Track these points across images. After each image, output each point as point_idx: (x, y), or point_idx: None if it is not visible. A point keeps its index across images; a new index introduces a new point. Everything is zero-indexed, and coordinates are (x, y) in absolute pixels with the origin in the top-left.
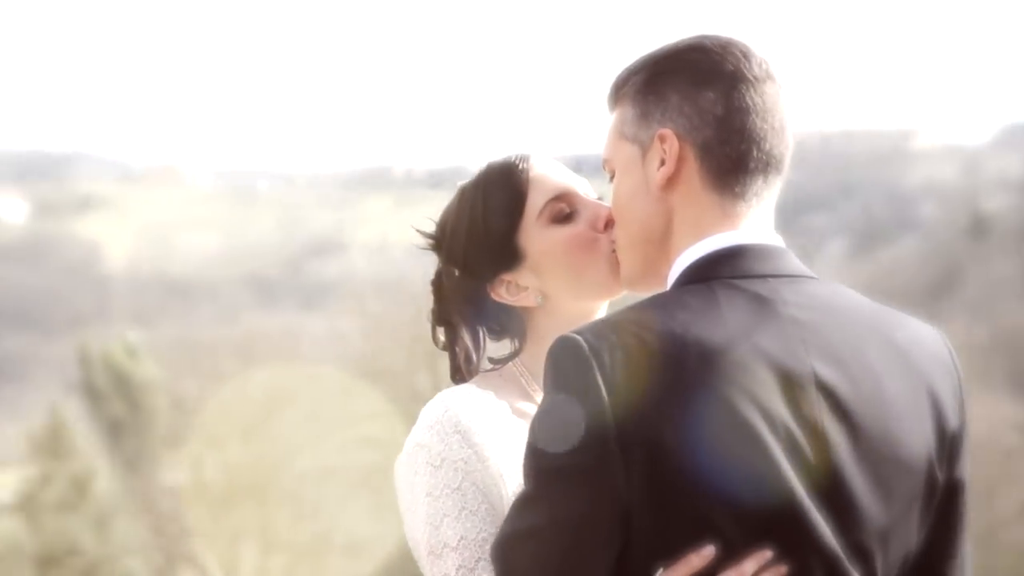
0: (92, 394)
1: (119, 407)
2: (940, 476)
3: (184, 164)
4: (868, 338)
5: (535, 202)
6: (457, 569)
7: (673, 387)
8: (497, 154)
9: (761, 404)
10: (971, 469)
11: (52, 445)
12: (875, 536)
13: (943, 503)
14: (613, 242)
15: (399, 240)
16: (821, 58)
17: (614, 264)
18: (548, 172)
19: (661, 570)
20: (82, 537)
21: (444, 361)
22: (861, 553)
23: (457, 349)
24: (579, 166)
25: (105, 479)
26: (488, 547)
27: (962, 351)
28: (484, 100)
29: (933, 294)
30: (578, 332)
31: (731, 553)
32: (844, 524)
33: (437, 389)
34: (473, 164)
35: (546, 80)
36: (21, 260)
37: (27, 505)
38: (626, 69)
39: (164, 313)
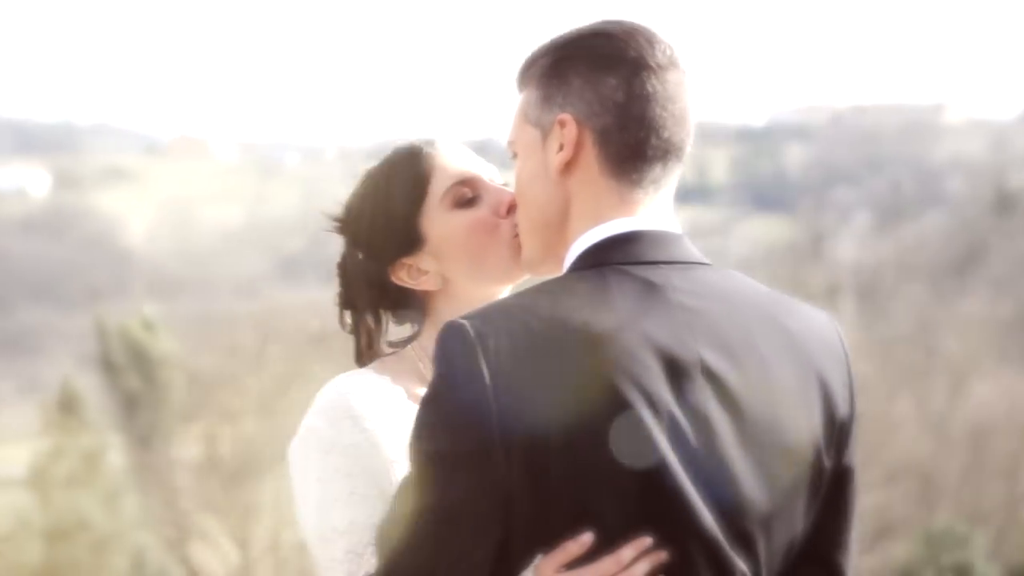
0: (108, 368)
1: (135, 381)
2: (827, 464)
3: (209, 137)
4: (759, 326)
5: (438, 186)
6: (345, 554)
7: (557, 374)
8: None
9: (645, 390)
10: (995, 443)
11: (63, 419)
12: (758, 523)
13: (831, 491)
14: (516, 228)
15: None
16: (852, 32)
17: (515, 249)
18: (452, 157)
19: (540, 557)
20: (92, 512)
21: None
22: (744, 539)
23: (360, 333)
24: (484, 150)
25: (117, 453)
26: (369, 539)
27: (986, 326)
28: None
29: (958, 269)
30: (465, 317)
31: (611, 540)
32: (727, 511)
33: None
34: (504, 136)
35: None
36: (42, 233)
37: (38, 479)
38: (534, 51)
39: (183, 287)
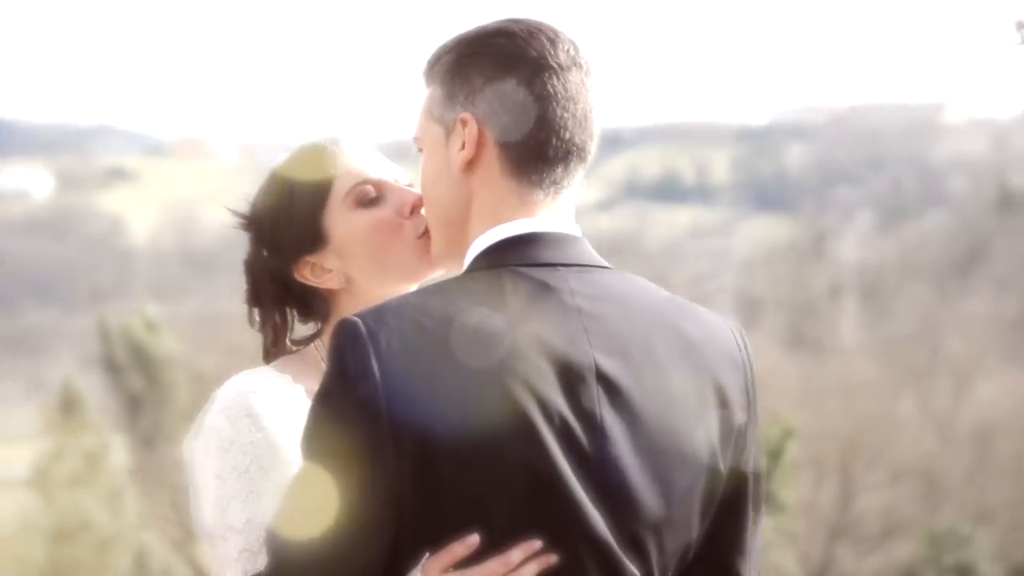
0: (111, 368)
1: (138, 381)
2: (723, 469)
3: (210, 138)
4: (656, 330)
5: (341, 185)
6: (240, 552)
7: (447, 374)
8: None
9: (537, 393)
10: (999, 443)
11: (66, 419)
12: (651, 527)
13: (729, 497)
14: (419, 228)
15: None
16: (852, 32)
17: (418, 249)
18: (356, 156)
19: (427, 556)
20: (95, 512)
21: None
22: (636, 544)
23: (267, 330)
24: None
25: (120, 453)
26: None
27: (989, 326)
28: None
29: (961, 268)
30: (359, 315)
31: (500, 542)
32: (619, 515)
33: None
34: None
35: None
36: (45, 233)
37: (40, 479)
38: (439, 47)
39: (186, 287)
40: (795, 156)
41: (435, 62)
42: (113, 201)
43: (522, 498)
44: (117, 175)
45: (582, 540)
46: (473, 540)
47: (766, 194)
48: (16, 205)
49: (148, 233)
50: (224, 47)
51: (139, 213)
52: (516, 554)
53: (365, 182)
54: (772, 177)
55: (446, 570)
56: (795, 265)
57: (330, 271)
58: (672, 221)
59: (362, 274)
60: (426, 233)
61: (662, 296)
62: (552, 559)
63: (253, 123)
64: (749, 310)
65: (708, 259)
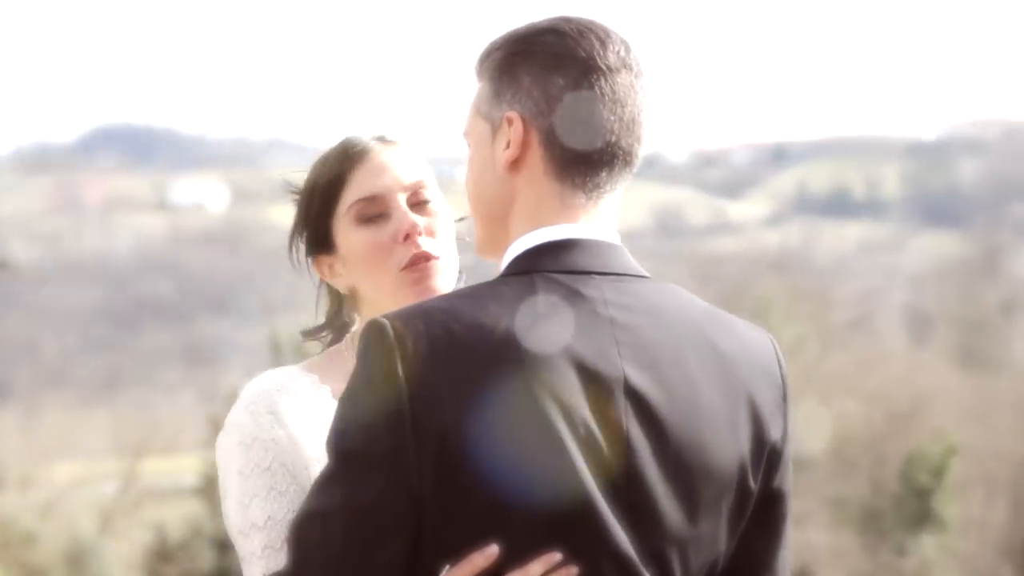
0: None
1: None
2: (754, 486)
3: None
4: (689, 343)
5: (347, 197)
6: (263, 549)
7: (473, 380)
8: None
9: (563, 403)
10: None
11: None
12: (675, 543)
13: (759, 514)
14: (414, 255)
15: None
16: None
17: (399, 281)
18: (374, 165)
19: (447, 568)
20: None
21: None
22: (659, 559)
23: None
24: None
25: None
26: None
27: None
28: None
29: None
30: (388, 316)
31: (521, 553)
32: (642, 530)
33: None
34: (674, 155)
35: None
36: (220, 246)
37: (209, 488)
38: (490, 43)
39: None
40: (967, 170)
41: (485, 58)
42: (286, 214)
43: (544, 509)
44: (289, 188)
45: (604, 553)
46: (492, 551)
47: (937, 209)
48: (193, 218)
49: None
50: (393, 59)
51: None
52: (536, 567)
53: (369, 198)
54: (944, 191)
55: None
56: (967, 281)
57: (340, 275)
58: (841, 236)
59: (362, 287)
60: (411, 264)
61: (699, 308)
62: (573, 571)
63: (427, 138)
64: (919, 326)
65: (878, 275)
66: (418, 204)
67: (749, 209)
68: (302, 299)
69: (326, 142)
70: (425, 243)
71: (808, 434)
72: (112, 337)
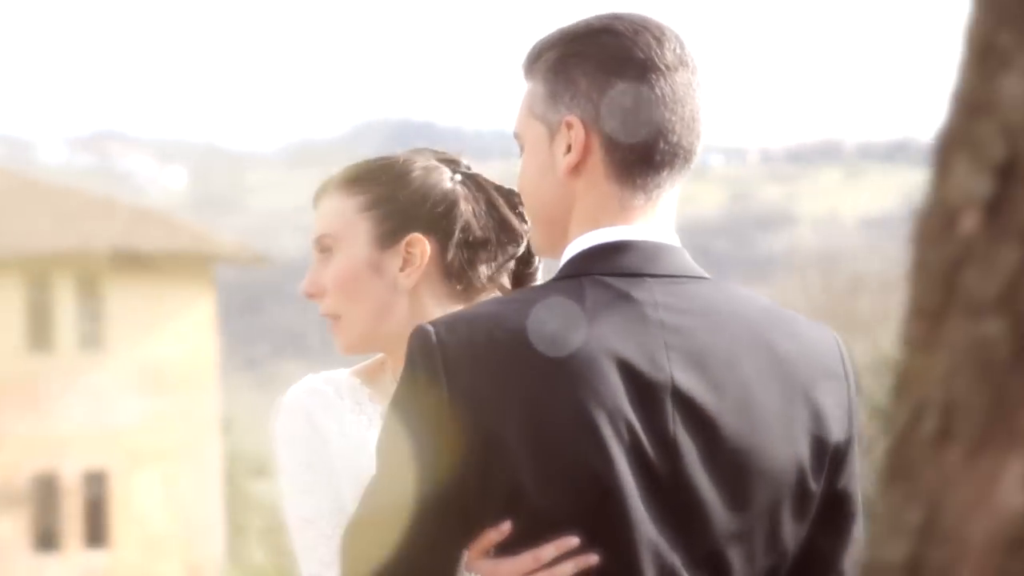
0: None
1: None
2: (815, 488)
3: None
4: (744, 344)
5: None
6: (316, 539)
7: (516, 386)
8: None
9: (608, 408)
10: None
11: None
12: (729, 546)
13: (824, 515)
14: (325, 311)
15: (849, 213)
16: None
17: (336, 332)
18: (322, 203)
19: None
20: None
21: (884, 332)
22: (712, 563)
23: None
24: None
25: None
26: (336, 523)
27: None
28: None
29: None
30: (433, 322)
31: (563, 555)
32: (690, 535)
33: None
34: (924, 136)
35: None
36: None
37: None
38: (541, 41)
39: None
40: None
41: (536, 58)
42: None
43: (586, 514)
44: None
45: (646, 559)
46: (506, 527)
47: None
48: None
49: None
50: None
51: None
52: (548, 550)
53: (319, 238)
54: None
55: (481, 556)
56: None
57: None
58: None
59: None
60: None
61: (757, 307)
62: (592, 559)
63: None
64: None
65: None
66: (323, 252)
67: None
68: None
69: None
70: (322, 305)
71: None
72: None
